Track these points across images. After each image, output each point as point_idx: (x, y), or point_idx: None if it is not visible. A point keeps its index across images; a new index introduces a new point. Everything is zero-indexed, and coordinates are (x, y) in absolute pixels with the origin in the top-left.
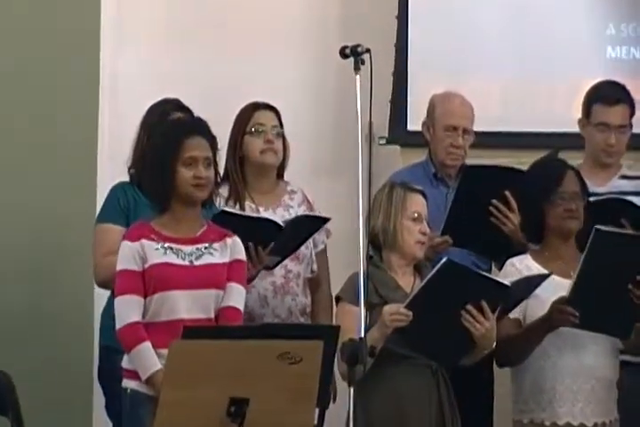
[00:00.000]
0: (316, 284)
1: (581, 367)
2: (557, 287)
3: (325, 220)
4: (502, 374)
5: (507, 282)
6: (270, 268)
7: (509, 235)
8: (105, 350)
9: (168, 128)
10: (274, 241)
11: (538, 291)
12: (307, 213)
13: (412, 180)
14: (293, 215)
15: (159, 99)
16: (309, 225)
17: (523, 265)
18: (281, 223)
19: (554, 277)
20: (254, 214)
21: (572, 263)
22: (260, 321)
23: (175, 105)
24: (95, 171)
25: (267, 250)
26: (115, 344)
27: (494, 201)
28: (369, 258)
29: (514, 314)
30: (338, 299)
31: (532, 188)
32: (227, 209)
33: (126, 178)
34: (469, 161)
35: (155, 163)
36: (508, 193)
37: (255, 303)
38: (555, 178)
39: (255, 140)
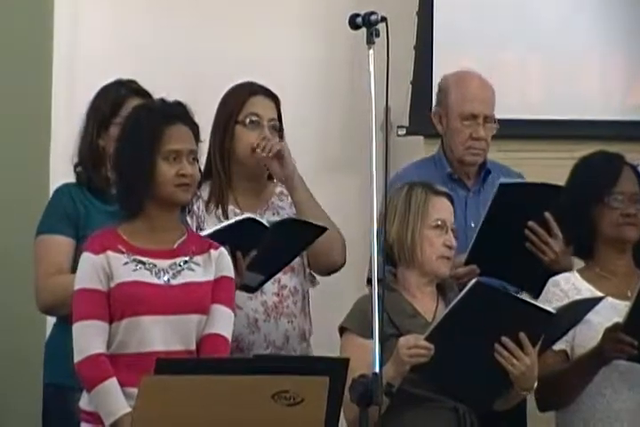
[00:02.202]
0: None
1: None
2: (612, 310)
3: (322, 229)
4: (539, 419)
5: (551, 308)
6: (253, 289)
7: (549, 266)
8: (51, 388)
9: (143, 114)
10: (256, 247)
11: (589, 315)
12: (299, 218)
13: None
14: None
15: (111, 80)
16: (300, 235)
17: (569, 285)
18: (265, 223)
19: (607, 298)
20: (228, 222)
21: (628, 281)
22: (249, 350)
23: (131, 88)
24: (48, 171)
25: (247, 259)
26: (64, 381)
27: (531, 223)
28: (382, 277)
29: (559, 345)
30: (342, 330)
31: (581, 188)
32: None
33: None
34: (504, 160)
35: (128, 157)
36: (548, 215)
37: (243, 329)
38: (609, 175)
39: (248, 134)
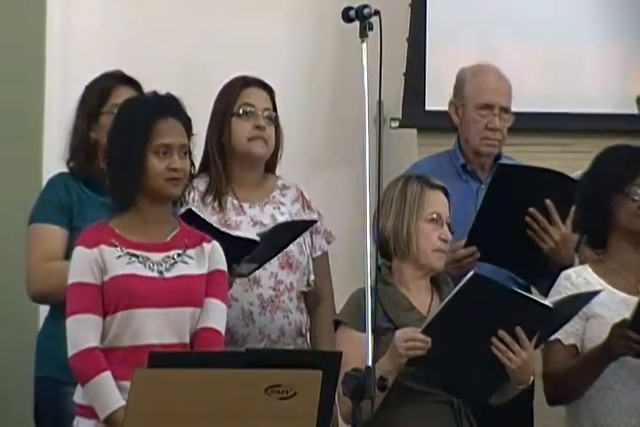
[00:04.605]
0: (315, 299)
1: None
2: (623, 305)
3: (311, 222)
4: (546, 414)
5: (548, 302)
6: (245, 275)
7: (548, 254)
8: (43, 381)
9: (134, 107)
10: (247, 256)
11: (599, 310)
12: (286, 220)
13: (436, 173)
14: (285, 214)
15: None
16: (291, 231)
17: (580, 279)
18: (256, 238)
19: (618, 292)
20: (225, 229)
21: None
22: (244, 342)
23: (118, 78)
24: (40, 169)
25: (243, 261)
26: (56, 374)
27: (531, 209)
28: (377, 270)
29: (569, 339)
30: (337, 323)
31: (602, 177)
32: (194, 209)
33: None
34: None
35: (119, 151)
36: (549, 202)
37: (238, 321)
38: (632, 167)
39: (242, 124)
